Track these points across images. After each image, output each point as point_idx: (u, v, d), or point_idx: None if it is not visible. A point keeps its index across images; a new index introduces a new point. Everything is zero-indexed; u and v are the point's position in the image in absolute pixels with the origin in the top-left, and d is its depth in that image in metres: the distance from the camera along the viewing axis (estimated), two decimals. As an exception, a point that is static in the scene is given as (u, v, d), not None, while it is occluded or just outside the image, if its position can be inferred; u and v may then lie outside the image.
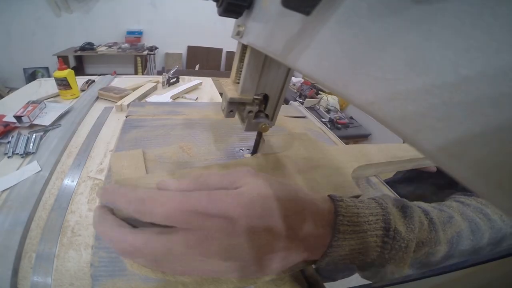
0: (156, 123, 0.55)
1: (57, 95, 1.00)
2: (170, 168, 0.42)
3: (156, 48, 3.28)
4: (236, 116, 0.40)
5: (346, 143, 0.69)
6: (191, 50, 3.55)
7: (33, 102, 0.86)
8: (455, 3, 0.10)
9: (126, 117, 0.57)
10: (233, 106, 0.37)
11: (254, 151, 0.45)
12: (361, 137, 2.59)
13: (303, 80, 2.96)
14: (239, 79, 0.36)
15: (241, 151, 0.51)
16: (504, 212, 0.09)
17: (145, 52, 3.13)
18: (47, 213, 0.46)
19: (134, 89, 1.05)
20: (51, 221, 0.45)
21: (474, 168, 0.09)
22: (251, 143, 0.46)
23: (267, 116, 0.40)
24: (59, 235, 0.42)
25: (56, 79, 0.95)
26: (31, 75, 3.02)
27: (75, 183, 0.54)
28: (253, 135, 0.44)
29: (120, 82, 1.16)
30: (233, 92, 0.36)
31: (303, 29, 0.18)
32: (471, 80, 0.09)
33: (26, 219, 0.44)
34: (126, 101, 0.91)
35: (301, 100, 2.64)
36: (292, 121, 0.68)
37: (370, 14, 0.13)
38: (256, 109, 0.37)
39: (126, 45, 3.12)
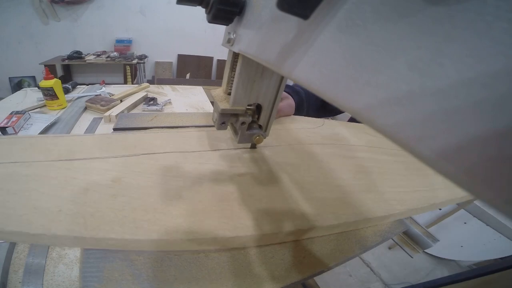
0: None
1: (44, 106, 0.97)
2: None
3: (145, 56, 3.26)
4: (228, 127, 0.38)
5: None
6: (181, 58, 3.53)
7: (17, 112, 0.83)
8: (478, 3, 0.09)
9: (114, 129, 0.55)
10: (225, 118, 0.35)
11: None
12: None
13: (294, 87, 2.97)
14: (230, 89, 0.34)
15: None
16: (505, 215, 0.09)
17: (135, 61, 3.10)
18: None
19: (122, 99, 1.02)
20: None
21: (472, 173, 0.09)
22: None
23: (260, 126, 0.39)
24: (47, 249, 0.40)
25: (42, 89, 0.92)
26: (17, 85, 2.96)
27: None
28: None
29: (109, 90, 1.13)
30: (224, 103, 0.34)
31: (299, 35, 0.17)
32: (490, 85, 0.08)
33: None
34: (114, 111, 0.89)
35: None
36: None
37: (376, 18, 0.12)
38: (249, 120, 0.36)
39: (115, 53, 3.08)
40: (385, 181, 0.45)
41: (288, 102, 0.69)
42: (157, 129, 0.54)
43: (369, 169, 0.48)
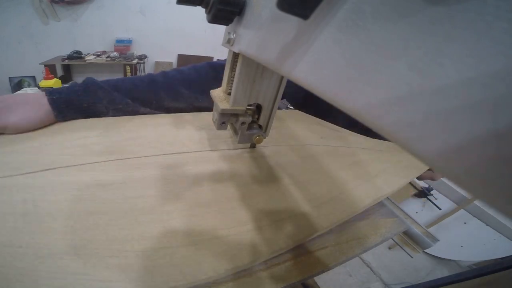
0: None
1: (43, 106, 0.97)
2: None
3: (145, 56, 3.26)
4: (228, 127, 0.38)
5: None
6: (182, 58, 3.53)
7: (17, 113, 0.83)
8: (478, 3, 0.09)
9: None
10: (225, 118, 0.35)
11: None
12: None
13: (294, 88, 2.97)
14: (230, 89, 0.34)
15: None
16: (505, 215, 0.09)
17: (135, 61, 3.10)
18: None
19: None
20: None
21: (472, 173, 0.09)
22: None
23: (260, 127, 0.39)
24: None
25: (42, 89, 0.92)
26: (17, 84, 2.96)
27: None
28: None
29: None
30: (224, 103, 0.34)
31: (299, 35, 0.17)
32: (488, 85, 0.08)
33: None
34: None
35: (292, 108, 2.64)
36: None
37: (376, 18, 0.12)
38: (249, 120, 0.36)
39: (115, 53, 3.09)
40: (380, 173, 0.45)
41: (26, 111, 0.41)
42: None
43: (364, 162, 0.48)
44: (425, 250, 0.44)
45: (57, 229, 0.28)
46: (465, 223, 1.72)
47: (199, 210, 0.33)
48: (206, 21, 0.26)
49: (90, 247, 0.27)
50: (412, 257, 0.43)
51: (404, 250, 0.44)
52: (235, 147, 0.44)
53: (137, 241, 0.28)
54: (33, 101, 0.43)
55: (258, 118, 0.38)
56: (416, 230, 0.43)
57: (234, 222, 0.32)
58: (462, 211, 1.71)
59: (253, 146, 0.43)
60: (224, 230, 0.31)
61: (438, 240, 0.42)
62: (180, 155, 0.41)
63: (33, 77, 3.04)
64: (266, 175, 0.40)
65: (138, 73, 3.19)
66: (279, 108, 0.42)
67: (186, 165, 0.39)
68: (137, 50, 3.32)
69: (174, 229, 0.30)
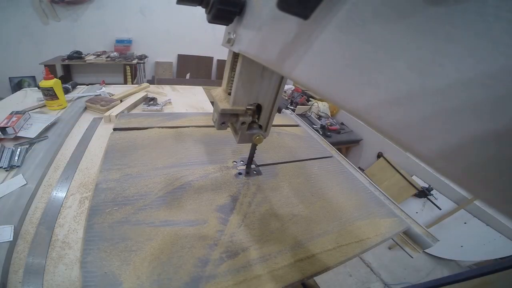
0: (145, 135, 0.53)
1: (44, 106, 0.97)
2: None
3: (145, 57, 3.26)
4: (228, 128, 0.38)
5: (338, 149, 0.68)
6: (181, 58, 3.53)
7: (17, 112, 0.83)
8: (478, 3, 0.09)
9: (114, 129, 0.55)
10: (225, 118, 0.35)
11: (249, 163, 0.44)
12: (353, 143, 2.60)
13: (294, 87, 2.97)
14: (230, 89, 0.34)
15: (234, 163, 0.49)
16: (505, 215, 0.09)
17: (135, 61, 3.09)
18: (34, 227, 0.44)
19: (122, 99, 1.02)
20: (39, 235, 0.43)
21: (471, 173, 0.09)
22: (245, 155, 0.44)
23: (260, 126, 0.38)
24: (47, 250, 0.40)
25: (42, 89, 0.92)
26: (17, 85, 2.96)
27: (63, 196, 0.51)
28: (247, 147, 0.42)
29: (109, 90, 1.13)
30: (224, 103, 0.34)
31: (299, 35, 0.17)
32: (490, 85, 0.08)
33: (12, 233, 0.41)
34: (114, 111, 0.88)
35: (292, 108, 2.64)
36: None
37: (376, 18, 0.12)
38: (249, 120, 0.36)
39: (115, 53, 3.08)
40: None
41: None
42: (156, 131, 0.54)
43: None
44: (425, 250, 0.44)
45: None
46: (465, 223, 1.72)
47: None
48: (206, 21, 0.26)
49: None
50: (412, 257, 0.43)
51: (404, 250, 0.44)
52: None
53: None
54: None
55: (258, 118, 0.38)
56: (416, 230, 0.43)
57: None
58: (462, 211, 1.71)
59: (253, 146, 0.43)
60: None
61: (438, 240, 0.42)
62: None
63: (33, 77, 3.04)
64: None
65: (138, 73, 3.19)
66: (279, 108, 0.42)
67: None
68: (137, 50, 3.32)
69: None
